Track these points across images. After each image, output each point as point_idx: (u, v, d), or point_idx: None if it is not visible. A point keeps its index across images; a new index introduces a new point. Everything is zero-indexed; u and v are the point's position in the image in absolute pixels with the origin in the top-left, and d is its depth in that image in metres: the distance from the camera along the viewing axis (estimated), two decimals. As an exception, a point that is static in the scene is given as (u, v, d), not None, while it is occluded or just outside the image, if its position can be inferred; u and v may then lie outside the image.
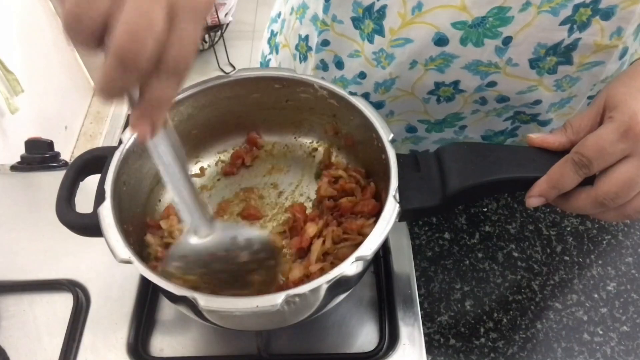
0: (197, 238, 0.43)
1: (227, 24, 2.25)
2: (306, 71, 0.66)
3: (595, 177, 0.40)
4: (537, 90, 0.56)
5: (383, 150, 0.47)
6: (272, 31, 0.74)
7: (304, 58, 0.65)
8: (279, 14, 0.71)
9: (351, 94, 0.51)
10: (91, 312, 0.54)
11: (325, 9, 0.57)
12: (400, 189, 0.44)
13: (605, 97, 0.41)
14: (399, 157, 0.46)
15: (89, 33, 0.27)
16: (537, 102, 0.58)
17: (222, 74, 0.53)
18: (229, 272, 0.44)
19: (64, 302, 0.55)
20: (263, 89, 0.54)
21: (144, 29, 0.27)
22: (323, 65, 0.64)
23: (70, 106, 1.89)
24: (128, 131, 0.48)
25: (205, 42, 2.25)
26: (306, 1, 0.61)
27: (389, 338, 0.53)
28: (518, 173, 0.43)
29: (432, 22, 0.51)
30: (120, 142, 0.48)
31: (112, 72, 0.28)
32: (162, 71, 0.29)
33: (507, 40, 0.51)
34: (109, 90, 0.29)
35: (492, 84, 0.56)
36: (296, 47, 0.65)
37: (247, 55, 2.36)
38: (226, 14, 2.20)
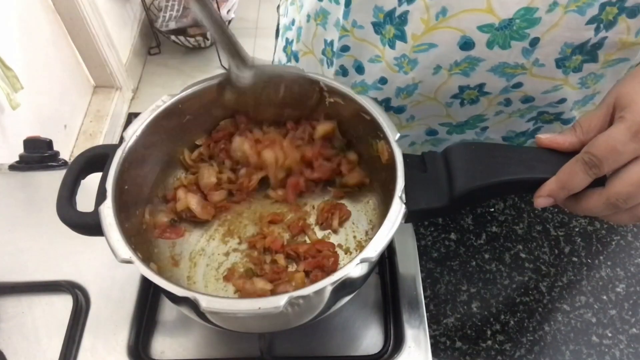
0: (240, 79, 0.51)
1: (229, 21, 2.24)
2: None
3: (606, 178, 0.40)
4: (562, 89, 0.56)
5: (389, 149, 0.46)
6: (286, 39, 0.72)
7: (330, 63, 0.64)
8: (293, 22, 0.70)
9: (359, 93, 0.50)
10: (91, 313, 0.54)
11: (345, 15, 0.56)
12: (406, 189, 0.43)
13: (615, 96, 0.41)
14: (405, 157, 0.45)
15: None
16: (562, 100, 0.58)
17: (224, 71, 0.52)
18: (271, 107, 0.53)
19: (63, 304, 0.54)
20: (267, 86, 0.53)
21: None
22: (342, 71, 0.63)
23: (69, 104, 1.88)
24: (130, 129, 0.47)
25: (207, 40, 2.24)
26: (325, 7, 0.60)
27: (394, 340, 0.52)
28: (526, 174, 0.42)
29: (458, 26, 0.50)
30: (122, 140, 0.47)
31: None
32: None
33: (535, 42, 0.50)
34: None
35: (518, 85, 0.55)
36: (323, 53, 0.65)
37: (249, 52, 2.34)
38: (228, 11, 2.19)
